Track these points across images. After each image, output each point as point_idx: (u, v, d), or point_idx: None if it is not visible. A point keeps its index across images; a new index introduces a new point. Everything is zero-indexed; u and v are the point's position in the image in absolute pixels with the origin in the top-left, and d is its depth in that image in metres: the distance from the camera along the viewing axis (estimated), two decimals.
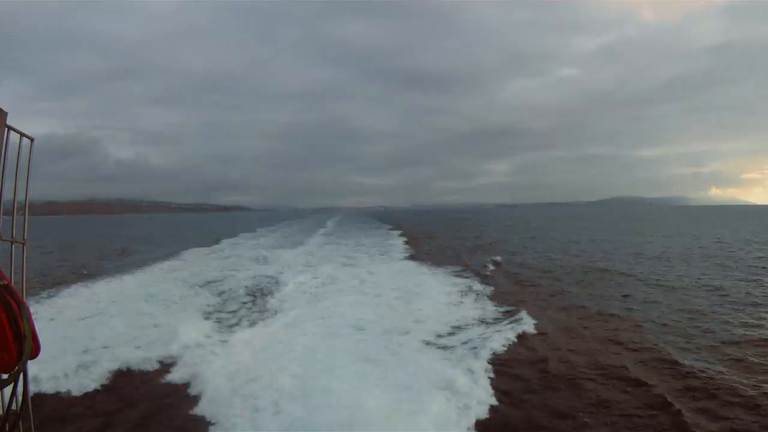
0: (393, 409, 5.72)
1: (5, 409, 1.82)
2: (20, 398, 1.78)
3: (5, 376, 1.72)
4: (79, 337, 8.91)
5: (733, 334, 9.63)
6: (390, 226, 50.80)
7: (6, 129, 1.93)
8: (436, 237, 39.83)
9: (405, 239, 33.10)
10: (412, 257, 22.93)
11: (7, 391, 1.75)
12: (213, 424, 5.85)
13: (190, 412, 6.25)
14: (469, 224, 67.67)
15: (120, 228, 79.19)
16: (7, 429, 1.76)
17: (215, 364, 7.60)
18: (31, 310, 1.77)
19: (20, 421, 1.82)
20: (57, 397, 6.71)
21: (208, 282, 15.54)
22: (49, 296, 13.29)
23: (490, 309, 11.50)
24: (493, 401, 6.33)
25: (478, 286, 14.45)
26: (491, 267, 19.48)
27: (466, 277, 16.32)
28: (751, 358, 8.12)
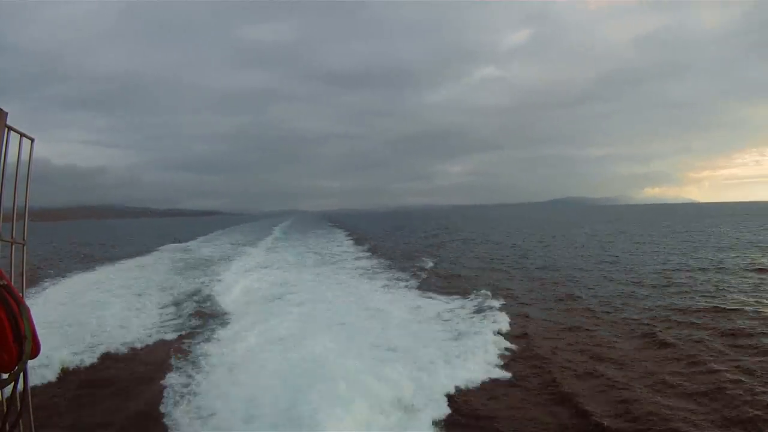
0: None
1: (5, 408, 1.78)
2: (20, 398, 1.78)
3: (5, 376, 1.69)
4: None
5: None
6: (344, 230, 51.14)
7: (6, 129, 1.92)
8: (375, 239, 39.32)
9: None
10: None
11: (7, 391, 1.72)
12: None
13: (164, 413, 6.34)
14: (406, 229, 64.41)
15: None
16: (7, 428, 1.75)
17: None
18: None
19: (20, 421, 1.82)
20: (54, 397, 6.79)
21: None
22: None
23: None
24: None
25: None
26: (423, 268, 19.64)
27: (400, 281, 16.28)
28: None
